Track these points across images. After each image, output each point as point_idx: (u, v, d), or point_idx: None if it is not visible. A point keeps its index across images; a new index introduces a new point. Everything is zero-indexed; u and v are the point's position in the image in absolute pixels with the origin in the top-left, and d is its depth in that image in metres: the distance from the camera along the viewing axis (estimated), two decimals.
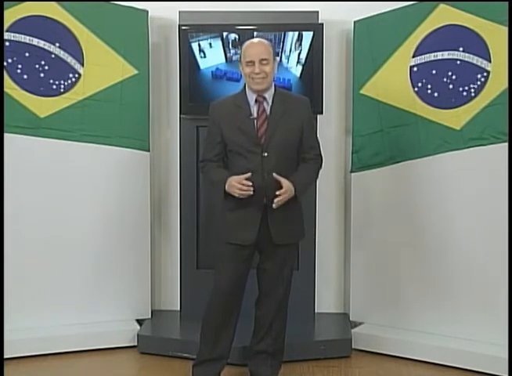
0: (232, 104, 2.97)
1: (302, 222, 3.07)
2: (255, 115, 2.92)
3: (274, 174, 2.83)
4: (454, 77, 3.41)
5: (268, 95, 2.94)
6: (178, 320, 3.86)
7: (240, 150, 2.91)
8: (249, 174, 2.83)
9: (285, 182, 2.84)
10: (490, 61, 3.30)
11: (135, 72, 3.67)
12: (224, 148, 2.96)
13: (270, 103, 2.94)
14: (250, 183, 2.82)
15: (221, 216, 3.03)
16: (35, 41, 3.49)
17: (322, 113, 3.65)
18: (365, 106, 3.66)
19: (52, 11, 3.51)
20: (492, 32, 3.28)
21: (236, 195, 2.85)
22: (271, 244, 2.96)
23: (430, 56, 3.46)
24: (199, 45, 3.61)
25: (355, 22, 3.66)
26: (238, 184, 2.82)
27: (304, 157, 3.00)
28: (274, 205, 2.84)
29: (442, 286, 3.53)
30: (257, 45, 2.91)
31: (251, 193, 2.83)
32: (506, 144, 3.24)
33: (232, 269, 2.98)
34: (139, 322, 3.80)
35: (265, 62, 2.86)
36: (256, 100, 2.93)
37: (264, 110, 2.93)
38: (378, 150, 3.65)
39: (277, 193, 2.82)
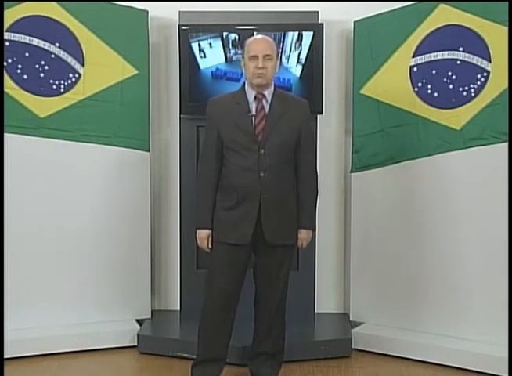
0: (230, 101, 2.97)
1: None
2: (253, 112, 2.92)
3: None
4: (454, 77, 3.41)
5: (268, 94, 2.94)
6: (178, 320, 3.87)
7: (237, 147, 2.90)
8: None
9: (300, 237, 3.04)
10: (490, 61, 3.30)
11: (135, 72, 3.67)
12: (221, 146, 2.94)
13: (269, 102, 2.93)
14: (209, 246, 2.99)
15: (215, 217, 2.99)
16: (35, 41, 3.49)
17: (322, 113, 3.65)
18: (365, 106, 3.66)
19: (52, 11, 3.51)
20: (492, 32, 3.28)
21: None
22: (267, 245, 2.95)
23: (430, 56, 3.46)
24: (199, 45, 3.61)
25: (355, 22, 3.66)
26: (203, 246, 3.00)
27: (298, 165, 2.98)
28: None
29: (442, 286, 3.53)
30: (261, 41, 2.92)
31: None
32: (506, 144, 3.24)
33: (228, 269, 2.96)
34: (139, 322, 3.79)
35: (268, 58, 2.87)
36: (255, 97, 2.93)
37: (262, 107, 2.93)
38: (378, 150, 3.65)
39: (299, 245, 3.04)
